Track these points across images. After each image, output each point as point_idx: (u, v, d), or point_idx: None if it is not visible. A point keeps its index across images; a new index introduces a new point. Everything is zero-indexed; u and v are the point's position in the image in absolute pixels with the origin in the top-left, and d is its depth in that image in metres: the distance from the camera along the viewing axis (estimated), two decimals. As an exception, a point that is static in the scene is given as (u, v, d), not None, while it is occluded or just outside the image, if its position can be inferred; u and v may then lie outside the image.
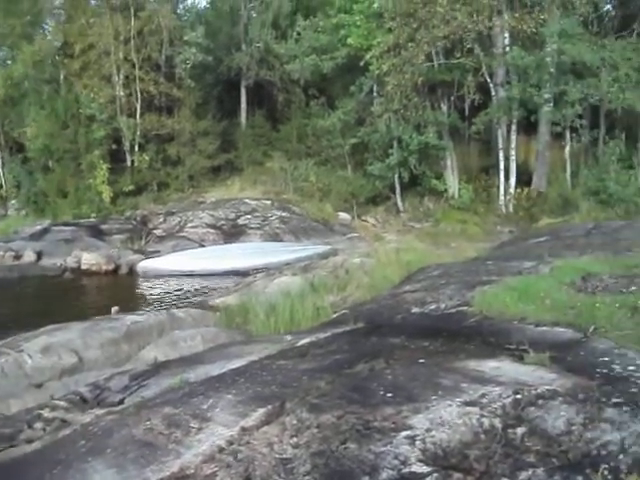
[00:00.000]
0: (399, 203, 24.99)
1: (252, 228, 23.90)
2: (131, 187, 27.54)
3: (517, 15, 22.38)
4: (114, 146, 28.27)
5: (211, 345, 9.22)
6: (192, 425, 4.87)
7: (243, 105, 32.25)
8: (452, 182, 24.51)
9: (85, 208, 26.39)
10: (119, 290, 18.78)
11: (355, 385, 5.46)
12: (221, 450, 4.45)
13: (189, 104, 29.49)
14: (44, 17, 32.27)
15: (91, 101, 27.25)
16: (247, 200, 25.62)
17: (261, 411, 4.99)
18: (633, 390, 5.43)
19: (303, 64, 26.66)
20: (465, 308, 8.03)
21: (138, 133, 28.41)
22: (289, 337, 8.17)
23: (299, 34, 28.16)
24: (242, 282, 16.02)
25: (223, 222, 24.34)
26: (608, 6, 27.55)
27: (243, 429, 4.71)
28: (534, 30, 21.86)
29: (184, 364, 7.65)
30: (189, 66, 28.77)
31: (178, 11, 33.17)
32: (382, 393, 5.23)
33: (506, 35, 23.05)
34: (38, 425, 6.22)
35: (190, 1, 35.33)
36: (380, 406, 4.97)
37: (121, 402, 6.80)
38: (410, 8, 22.45)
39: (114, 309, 13.16)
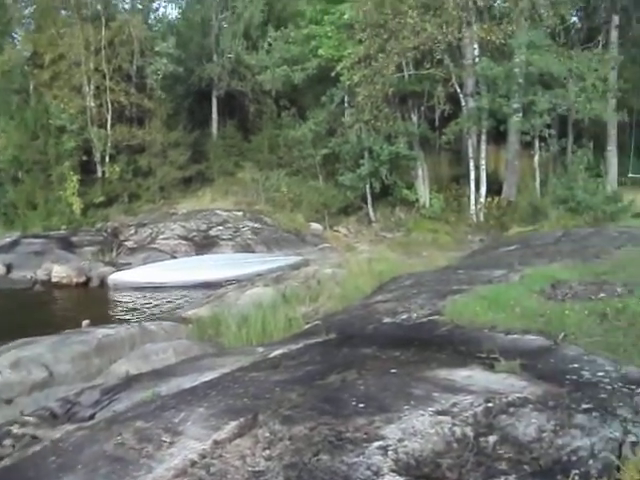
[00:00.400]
0: (371, 213, 25.08)
1: (224, 239, 23.81)
2: (102, 198, 27.28)
3: (486, 27, 22.66)
4: (84, 157, 27.96)
5: (183, 358, 9.13)
6: (164, 439, 4.83)
7: (214, 116, 32.17)
8: (423, 192, 24.66)
9: (55, 220, 26.07)
10: (90, 303, 18.58)
11: (327, 396, 5.45)
12: (193, 464, 4.42)
13: (160, 115, 29.34)
14: (13, 26, 31.89)
15: (61, 112, 26.97)
16: (218, 211, 25.55)
17: (233, 424, 4.97)
18: (602, 396, 5.48)
19: (274, 75, 26.66)
20: (436, 317, 8.07)
21: (109, 144, 28.17)
22: (261, 349, 8.14)
23: (270, 45, 28.16)
24: (214, 294, 15.93)
25: (195, 233, 24.23)
26: (574, 18, 28.05)
27: (215, 442, 4.69)
28: (503, 41, 22.15)
29: (156, 377, 7.59)
30: (160, 77, 28.62)
31: (149, 21, 32.97)
32: (354, 404, 5.24)
33: (475, 46, 23.32)
34: (7, 442, 6.12)
35: (161, 11, 35.45)
36: (352, 417, 4.97)
37: (92, 417, 6.72)
38: (380, 19, 22.62)
39: (85, 322, 13.04)
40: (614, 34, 24.13)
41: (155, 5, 34.28)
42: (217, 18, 31.02)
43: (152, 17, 34.34)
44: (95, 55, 28.10)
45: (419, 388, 5.58)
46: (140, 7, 32.06)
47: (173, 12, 36.85)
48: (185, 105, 31.98)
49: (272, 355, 7.51)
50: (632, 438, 4.88)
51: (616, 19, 24.06)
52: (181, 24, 33.95)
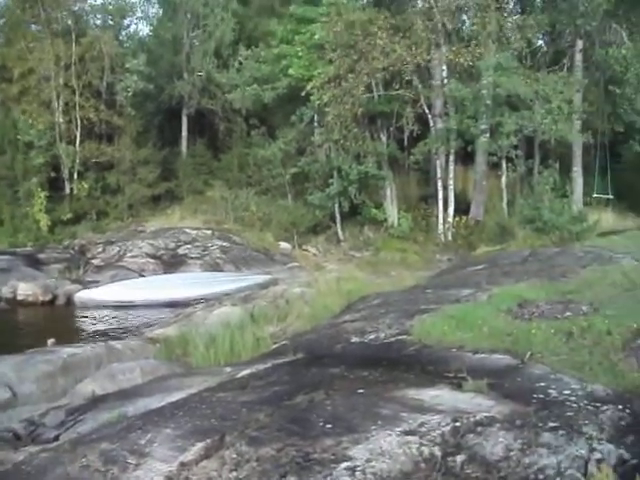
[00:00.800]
0: (339, 232, 25.13)
1: (192, 258, 23.66)
2: (69, 216, 26.99)
3: (454, 49, 22.96)
4: (53, 174, 27.70)
5: (150, 378, 9.05)
6: (129, 461, 4.77)
7: (184, 134, 32.09)
8: (392, 211, 24.77)
9: (22, 237, 25.74)
10: (56, 321, 18.31)
11: (295, 417, 5.43)
12: (159, 486, 4.38)
13: (130, 132, 29.19)
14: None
15: (30, 127, 26.71)
16: (187, 229, 25.41)
17: (200, 445, 4.92)
18: (569, 414, 5.54)
19: (244, 94, 26.70)
20: (404, 337, 8.10)
21: (77, 161, 27.92)
22: (229, 369, 8.11)
23: (241, 64, 28.25)
24: (182, 313, 15.82)
25: (163, 252, 24.04)
26: (540, 42, 28.48)
27: (182, 464, 4.64)
28: (471, 63, 22.46)
29: (122, 398, 7.52)
30: (130, 94, 28.53)
31: (120, 38, 32.87)
32: (322, 424, 5.22)
33: (444, 68, 23.59)
34: (-33, 465, 6.01)
35: (132, 28, 35.23)
36: (320, 437, 4.96)
37: (56, 438, 6.62)
38: (350, 40, 22.81)
39: (50, 341, 12.83)
40: (578, 58, 24.54)
41: (126, 22, 34.19)
42: (188, 36, 31.03)
43: (123, 34, 34.31)
44: (65, 70, 27.93)
45: (387, 408, 5.58)
46: (111, 23, 31.99)
47: (144, 29, 36.78)
48: (155, 123, 31.88)
49: (240, 375, 7.48)
50: (597, 455, 4.93)
51: (580, 43, 24.48)
52: (152, 41, 33.88)
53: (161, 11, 34.76)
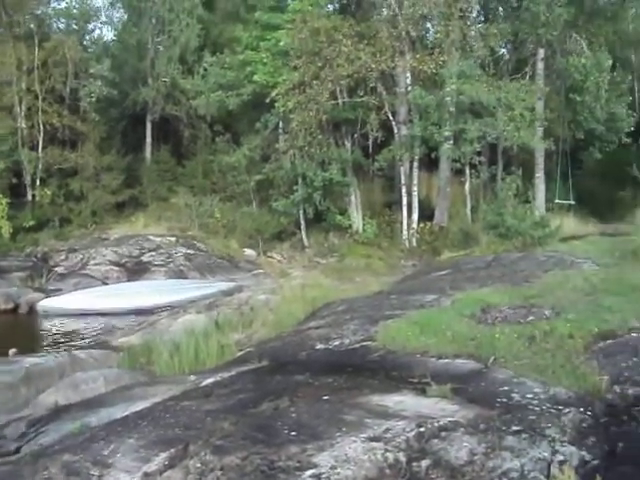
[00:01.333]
0: (304, 239, 25.13)
1: (156, 265, 23.48)
2: (32, 223, 26.61)
3: (418, 56, 23.16)
4: (14, 180, 27.34)
5: (114, 387, 8.98)
6: (92, 472, 4.72)
7: (148, 140, 31.86)
8: (356, 218, 24.83)
9: (-18, 244, 25.36)
10: (18, 330, 18.07)
11: (259, 425, 5.42)
12: (122, 497, 4.33)
13: (93, 138, 28.91)
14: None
15: (-9, 132, 26.36)
16: (151, 237, 25.19)
17: (164, 455, 4.89)
18: (531, 417, 5.60)
19: (209, 100, 26.59)
20: (369, 343, 8.11)
21: (40, 167, 27.57)
22: (193, 377, 8.06)
23: (206, 70, 28.13)
24: (146, 321, 15.69)
25: (127, 259, 23.82)
26: (503, 50, 28.87)
27: (146, 474, 4.60)
28: (434, 71, 22.67)
29: (86, 408, 7.44)
30: (94, 99, 28.26)
31: (84, 43, 32.58)
32: (286, 432, 5.21)
33: (408, 75, 23.75)
34: None
35: (97, 33, 34.80)
36: (285, 445, 4.94)
37: (17, 451, 6.52)
38: (315, 47, 22.86)
39: (12, 351, 12.68)
40: (540, 66, 24.87)
41: (90, 26, 33.83)
42: (153, 41, 30.84)
43: (87, 39, 33.97)
44: (27, 75, 27.59)
45: (352, 414, 5.58)
46: (75, 28, 31.67)
47: (109, 34, 36.35)
48: (119, 128, 31.59)
49: (204, 383, 7.44)
50: (560, 457, 5.00)
51: (542, 52, 24.82)
52: (116, 47, 33.53)
53: (126, 16, 34.35)
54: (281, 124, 25.35)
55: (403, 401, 5.97)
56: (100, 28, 35.39)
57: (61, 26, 31.45)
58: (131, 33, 31.74)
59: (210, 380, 7.56)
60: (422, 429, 5.27)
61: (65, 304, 19.17)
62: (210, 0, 32.96)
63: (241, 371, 7.81)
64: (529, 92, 23.12)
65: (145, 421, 5.80)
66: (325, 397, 6.10)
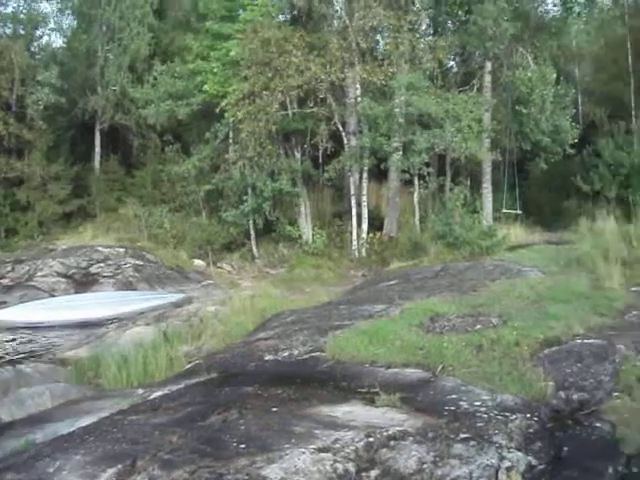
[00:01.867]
0: (254, 249, 25.02)
1: (105, 277, 23.09)
2: (-25, 234, 26.06)
3: (368, 68, 23.29)
4: (-42, 190, 26.73)
5: (61, 402, 8.78)
6: (37, 491, 4.61)
7: (97, 149, 31.36)
8: (306, 228, 24.82)
9: None
10: (-41, 345, 17.57)
11: (208, 437, 5.38)
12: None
13: (40, 147, 28.29)
14: None
15: None
16: (100, 248, 24.77)
17: (111, 471, 4.82)
18: (479, 425, 5.66)
19: (159, 109, 26.36)
20: (318, 354, 8.13)
21: (-16, 176, 26.97)
22: (141, 390, 7.95)
23: (156, 79, 27.83)
24: (94, 333, 15.43)
25: (74, 271, 23.37)
26: (452, 63, 29.27)
27: (91, 491, 4.51)
28: (384, 82, 22.84)
29: (30, 424, 7.26)
30: (41, 107, 27.69)
31: (32, 49, 31.89)
32: (235, 444, 5.19)
33: (358, 86, 23.90)
34: None
35: (45, 40, 34.05)
36: (233, 458, 4.92)
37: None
38: (266, 57, 22.81)
39: (-47, 366, 12.33)
40: (487, 79, 25.23)
41: (39, 32, 32.90)
42: (103, 49, 30.36)
43: (35, 45, 33.16)
44: (-28, 81, 26.94)
45: (301, 426, 5.58)
46: (22, 33, 30.96)
47: (57, 41, 35.62)
48: (67, 137, 31.01)
49: (152, 397, 7.36)
50: (507, 464, 5.07)
51: (489, 65, 25.19)
52: (65, 54, 32.86)
53: (75, 23, 33.77)
54: (231, 134, 25.21)
55: (352, 411, 5.98)
56: (49, 34, 34.56)
57: (7, 31, 30.74)
58: (80, 40, 31.20)
59: (158, 393, 7.48)
60: (371, 439, 5.29)
61: (11, 317, 18.69)
62: (161, 8, 32.64)
63: (190, 383, 7.75)
64: (476, 104, 23.45)
65: (92, 436, 5.71)
66: (274, 408, 6.08)
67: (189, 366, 9.61)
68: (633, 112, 29.46)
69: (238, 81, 23.63)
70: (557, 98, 24.27)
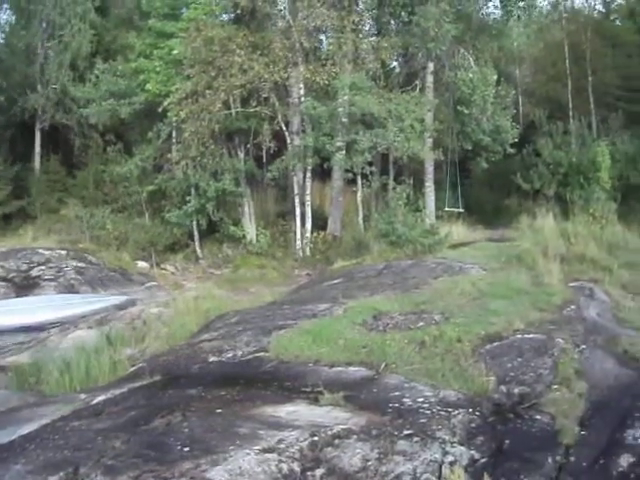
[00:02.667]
0: (198, 250, 24.81)
1: (46, 280, 22.58)
2: None
3: (311, 67, 23.31)
4: None
5: (1, 410, 8.57)
6: (-26, 504, 4.51)
7: (37, 149, 30.64)
8: (250, 228, 24.72)
9: None
10: None
11: (151, 442, 5.34)
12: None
13: (-23, 147, 27.68)
14: None
15: None
16: (40, 250, 24.22)
17: (53, 479, 4.72)
18: (422, 421, 5.74)
19: (101, 108, 25.92)
20: (262, 354, 8.12)
21: None
22: (83, 395, 7.81)
23: (97, 77, 27.39)
24: (35, 338, 15.07)
25: (14, 274, 22.79)
26: (394, 63, 29.51)
27: (33, 501, 4.43)
28: (327, 82, 22.88)
29: (-32, 435, 7.07)
30: (-22, 106, 27.07)
31: (-31, 45, 31.18)
32: (179, 447, 5.16)
33: (301, 86, 23.91)
34: None
35: (-18, 37, 33.21)
36: (178, 462, 4.89)
37: None
38: (209, 56, 22.66)
39: None
40: (429, 79, 25.49)
41: (-24, 29, 32.29)
42: (43, 46, 29.69)
43: (-28, 42, 32.44)
44: None
45: (245, 427, 5.58)
46: (-41, 29, 30.24)
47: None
48: (6, 137, 30.22)
49: (95, 401, 7.26)
50: (450, 458, 5.15)
51: (431, 66, 25.47)
52: (3, 51, 32.06)
53: (14, 18, 32.97)
54: (174, 134, 24.97)
55: (296, 411, 6.00)
56: (-14, 31, 33.77)
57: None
58: (19, 37, 30.40)
59: (101, 398, 7.37)
60: (315, 438, 5.32)
61: (-54, 323, 18.23)
62: (103, 5, 32.18)
63: (133, 387, 7.66)
64: (419, 104, 23.68)
65: (33, 444, 5.60)
66: (218, 410, 6.06)
67: (132, 369, 9.49)
68: (571, 113, 30.31)
69: (181, 80, 23.41)
70: (498, 99, 24.71)
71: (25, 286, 22.21)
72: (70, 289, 21.97)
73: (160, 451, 5.11)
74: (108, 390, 7.80)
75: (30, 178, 29.63)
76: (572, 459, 5.47)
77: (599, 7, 38.28)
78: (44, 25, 29.78)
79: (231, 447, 5.11)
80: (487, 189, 30.81)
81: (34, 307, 18.85)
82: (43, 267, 23.05)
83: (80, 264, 23.26)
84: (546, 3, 38.26)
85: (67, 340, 13.45)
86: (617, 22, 37.87)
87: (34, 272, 22.98)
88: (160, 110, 23.22)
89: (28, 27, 30.17)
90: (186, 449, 5.12)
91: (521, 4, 25.73)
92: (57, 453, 5.28)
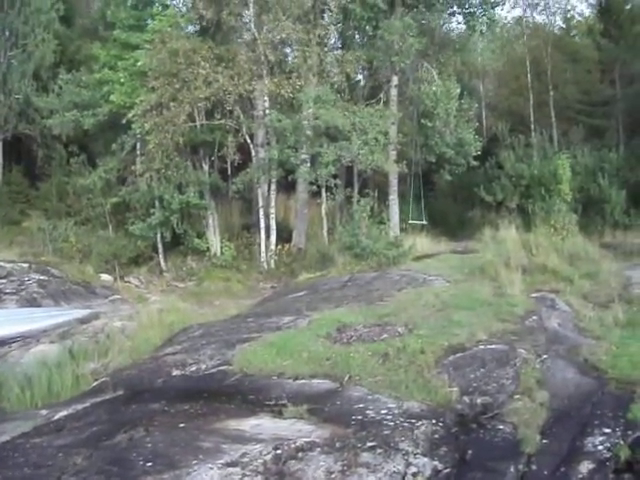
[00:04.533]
0: (162, 263, 24.63)
1: (7, 293, 22.21)
2: None
3: (276, 80, 23.33)
4: None
5: (-41, 429, 8.42)
6: None
7: None
8: (214, 241, 24.65)
9: None
10: None
11: (114, 457, 5.30)
12: None
13: (-62, 157, 27.21)
14: None
15: None
16: (2, 263, 23.79)
17: (11, 498, 4.66)
18: (386, 432, 5.77)
19: (64, 119, 25.67)
20: (226, 367, 8.09)
21: None
22: (45, 411, 7.70)
23: (61, 88, 27.14)
24: (-5, 354, 14.86)
25: (-26, 287, 22.50)
26: (359, 76, 29.74)
27: (-11, 519, 4.36)
28: (292, 95, 22.96)
29: None
30: (-61, 115, 26.61)
31: None
32: (142, 463, 5.13)
33: (266, 99, 23.91)
34: None
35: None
36: (140, 477, 4.87)
37: None
38: (174, 68, 22.59)
39: None
40: (394, 92, 25.70)
41: None
42: (5, 55, 29.31)
43: None
44: None
45: (208, 441, 5.56)
46: None
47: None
48: (-33, 147, 29.87)
49: (56, 417, 7.17)
50: (413, 469, 5.19)
51: (395, 79, 25.67)
52: (-35, 59, 31.75)
53: (-24, 26, 32.63)
54: (138, 146, 24.83)
55: (260, 424, 5.99)
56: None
57: None
58: (-18, 45, 30.17)
59: (63, 413, 7.28)
60: (279, 451, 5.32)
61: None
62: (68, 15, 31.84)
63: (95, 402, 7.58)
64: (383, 117, 23.86)
65: (-8, 462, 5.50)
66: (181, 424, 6.03)
67: (95, 384, 9.37)
68: (532, 126, 30.77)
69: (145, 92, 23.29)
70: (461, 112, 24.98)
71: (-15, 300, 21.87)
72: (32, 303, 21.63)
73: (123, 467, 5.07)
74: (70, 405, 7.71)
75: (-9, 190, 29.22)
76: (534, 467, 5.55)
77: (559, 23, 39.03)
78: (7, 34, 29.39)
79: (194, 462, 5.09)
80: (451, 201, 31.11)
81: (-5, 321, 18.56)
82: (4, 280, 22.69)
83: (43, 277, 22.94)
84: (509, 19, 39.01)
85: (29, 355, 13.21)
86: (576, 39, 38.59)
87: (-5, 285, 22.66)
88: (124, 122, 23.10)
89: (-10, 36, 29.85)
90: (149, 464, 5.09)
91: (483, 20, 26.02)
92: (17, 471, 5.21)
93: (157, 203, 23.83)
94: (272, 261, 23.61)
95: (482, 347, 8.47)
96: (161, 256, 24.75)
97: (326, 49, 25.59)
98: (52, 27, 29.73)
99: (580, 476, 5.37)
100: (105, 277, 23.78)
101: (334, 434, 5.74)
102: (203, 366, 8.31)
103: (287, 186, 26.61)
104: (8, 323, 18.05)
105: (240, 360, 8.19)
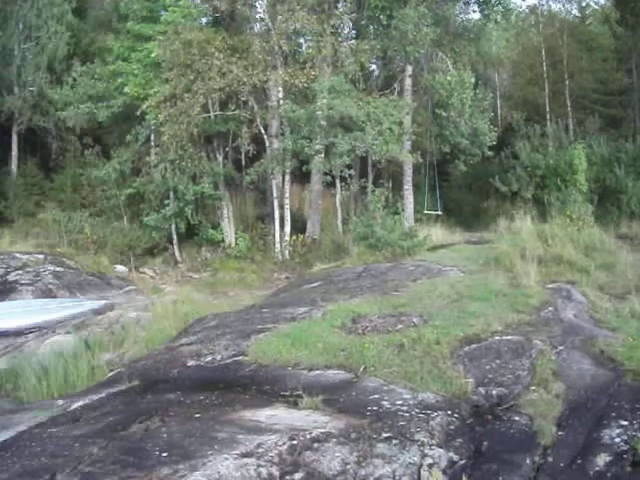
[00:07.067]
0: (177, 254, 24.73)
1: (23, 284, 22.35)
2: None
3: (290, 71, 23.34)
4: None
5: (-23, 419, 8.48)
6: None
7: (14, 152, 30.34)
8: (229, 231, 24.73)
9: None
10: None
11: (130, 447, 5.30)
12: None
13: (-47, 150, 27.38)
14: None
15: None
16: (18, 254, 23.99)
17: (29, 488, 4.68)
18: (401, 423, 5.74)
19: (78, 111, 25.76)
20: (241, 358, 8.09)
21: None
22: (61, 401, 7.75)
23: (75, 80, 27.24)
24: (12, 344, 14.92)
25: (-9, 278, 22.66)
26: (373, 67, 29.61)
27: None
28: (306, 85, 22.94)
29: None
30: (-45, 108, 26.76)
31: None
32: (158, 453, 5.13)
33: (280, 89, 23.91)
34: None
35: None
36: (156, 467, 4.86)
37: None
38: (187, 59, 22.60)
39: None
40: (408, 82, 25.57)
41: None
42: (20, 48, 29.41)
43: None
44: None
45: (224, 431, 5.56)
46: None
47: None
48: (-18, 140, 30.02)
49: (73, 407, 7.20)
50: (429, 461, 5.16)
51: (409, 69, 25.54)
52: (-21, 52, 31.89)
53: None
54: (152, 137, 24.91)
55: (275, 415, 5.98)
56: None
57: None
58: (-5, 39, 30.28)
59: (79, 403, 7.31)
60: (294, 442, 5.31)
61: None
62: (81, 7, 31.96)
63: (111, 392, 7.60)
64: (397, 107, 23.73)
65: (9, 452, 5.52)
66: (197, 415, 6.03)
67: (111, 374, 9.42)
68: (548, 116, 30.54)
69: (159, 83, 23.36)
70: (476, 102, 24.81)
71: (2, 291, 21.97)
72: (48, 294, 21.76)
73: (138, 457, 5.07)
74: (86, 396, 7.74)
75: (7, 181, 29.36)
76: (550, 459, 5.51)
77: (575, 12, 38.69)
78: (20, 27, 29.45)
79: (210, 452, 5.08)
80: (465, 192, 31.00)
81: (11, 312, 18.68)
82: (20, 271, 22.83)
83: (58, 268, 23.06)
84: (524, 7, 38.69)
85: (45, 345, 13.31)
86: (592, 27, 38.24)
87: (11, 277, 22.75)
88: (138, 113, 23.16)
89: (4, 28, 29.82)
90: (164, 454, 5.09)
91: (498, 9, 25.81)
92: (33, 460, 5.21)
93: (171, 194, 23.91)
94: (286, 252, 23.63)
95: (497, 338, 8.44)
96: (176, 247, 24.83)
97: (340, 39, 25.48)
98: (65, 19, 29.82)
99: (597, 469, 5.32)
100: (120, 268, 23.88)
101: (349, 425, 5.73)
102: (218, 356, 8.31)
103: (301, 177, 26.63)
104: (24, 314, 18.18)
105: (255, 351, 8.19)
